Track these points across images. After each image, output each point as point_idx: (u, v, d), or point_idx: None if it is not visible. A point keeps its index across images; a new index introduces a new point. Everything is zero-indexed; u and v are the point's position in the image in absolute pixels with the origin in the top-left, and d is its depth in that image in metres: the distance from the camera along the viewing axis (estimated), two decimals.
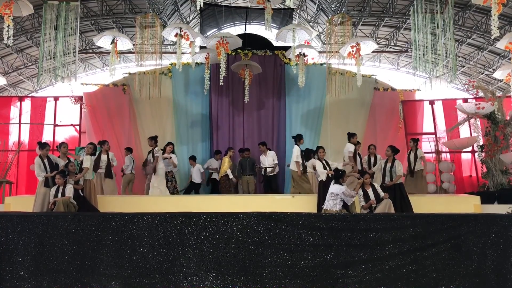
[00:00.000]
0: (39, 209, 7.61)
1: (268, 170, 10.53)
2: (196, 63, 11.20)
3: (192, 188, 11.03)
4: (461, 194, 10.42)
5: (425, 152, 10.97)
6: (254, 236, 5.01)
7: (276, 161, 10.64)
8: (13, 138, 12.05)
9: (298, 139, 9.63)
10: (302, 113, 12.08)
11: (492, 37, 7.93)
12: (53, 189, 7.50)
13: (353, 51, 9.74)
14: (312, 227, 5.04)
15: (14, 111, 12.37)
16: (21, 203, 8.40)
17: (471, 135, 11.38)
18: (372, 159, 9.37)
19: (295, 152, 9.41)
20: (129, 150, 10.91)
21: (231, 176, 10.51)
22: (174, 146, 10.56)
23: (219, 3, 18.13)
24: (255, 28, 17.74)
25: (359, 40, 9.95)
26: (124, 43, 10.16)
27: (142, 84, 11.38)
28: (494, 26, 7.60)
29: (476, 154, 11.23)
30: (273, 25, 14.61)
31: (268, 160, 10.58)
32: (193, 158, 11.22)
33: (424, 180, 9.92)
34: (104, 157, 9.55)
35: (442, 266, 4.91)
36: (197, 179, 11.01)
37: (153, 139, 9.85)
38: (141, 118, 12.09)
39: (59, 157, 8.46)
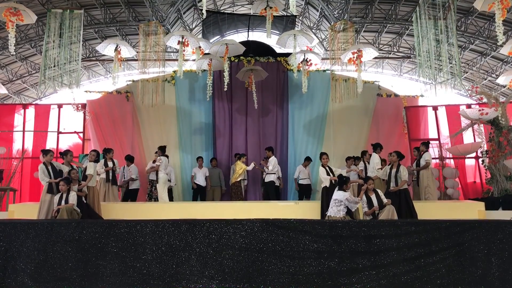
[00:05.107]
0: (44, 217, 7.60)
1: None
2: (202, 70, 11.19)
3: (198, 193, 10.86)
4: (465, 200, 10.38)
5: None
6: (257, 243, 5.00)
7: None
8: (17, 146, 12.08)
9: (378, 148, 9.39)
10: (305, 119, 12.05)
11: (499, 43, 7.90)
12: (57, 197, 7.51)
13: (354, 57, 9.76)
14: (316, 234, 5.03)
15: (18, 119, 12.42)
16: (25, 210, 8.42)
17: (474, 141, 11.34)
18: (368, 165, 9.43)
19: (376, 160, 9.13)
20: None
21: (246, 183, 10.45)
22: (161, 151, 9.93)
23: (222, 11, 18.21)
24: (257, 35, 17.78)
25: (361, 46, 9.97)
26: (127, 51, 10.22)
27: (145, 91, 11.40)
28: (500, 32, 7.58)
29: (480, 160, 11.19)
30: (276, 32, 14.65)
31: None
32: (202, 159, 11.08)
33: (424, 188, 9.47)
34: (110, 164, 9.56)
35: (447, 272, 4.88)
36: (202, 182, 10.86)
37: (159, 149, 9.86)
38: (145, 126, 12.10)
39: (63, 163, 8.49)
